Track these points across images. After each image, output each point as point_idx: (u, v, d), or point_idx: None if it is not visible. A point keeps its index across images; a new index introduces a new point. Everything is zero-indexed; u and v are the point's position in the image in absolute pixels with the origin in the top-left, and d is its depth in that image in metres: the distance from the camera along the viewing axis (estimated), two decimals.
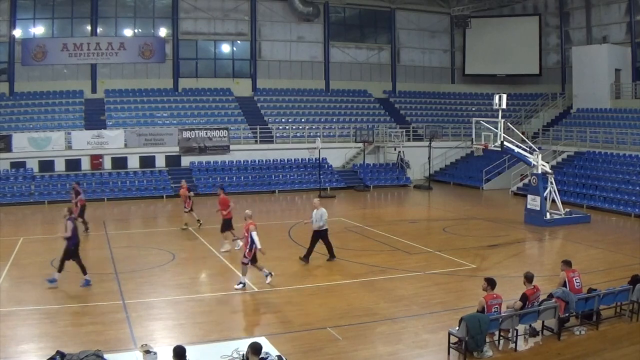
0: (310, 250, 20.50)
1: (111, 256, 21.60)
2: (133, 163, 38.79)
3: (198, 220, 26.40)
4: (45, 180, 35.94)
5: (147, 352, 10.41)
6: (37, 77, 42.36)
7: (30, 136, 37.32)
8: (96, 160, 38.02)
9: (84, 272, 17.55)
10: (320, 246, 20.52)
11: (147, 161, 39.01)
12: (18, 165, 36.73)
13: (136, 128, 39.86)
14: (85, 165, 38.00)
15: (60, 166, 37.45)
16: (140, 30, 45.57)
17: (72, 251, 17.45)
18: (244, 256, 17.29)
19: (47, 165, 37.13)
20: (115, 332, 13.95)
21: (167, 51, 45.16)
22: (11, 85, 41.59)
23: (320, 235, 20.51)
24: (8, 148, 36.64)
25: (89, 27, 43.51)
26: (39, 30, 43.07)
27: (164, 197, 35.86)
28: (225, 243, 22.27)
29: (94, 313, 15.29)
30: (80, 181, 36.36)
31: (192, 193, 26.89)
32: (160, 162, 39.37)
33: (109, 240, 24.52)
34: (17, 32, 41.86)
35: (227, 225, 22.49)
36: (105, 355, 10.74)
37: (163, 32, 45.71)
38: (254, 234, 16.99)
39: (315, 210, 20.40)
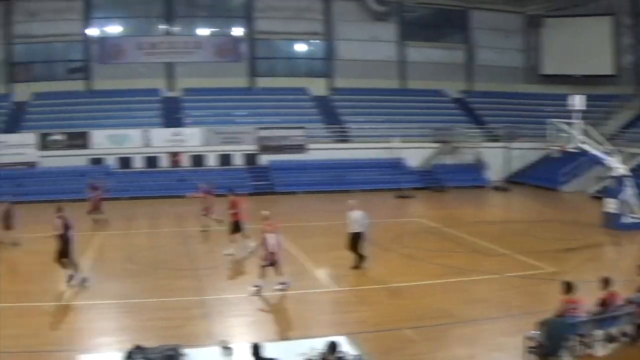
0: (359, 255, 19.28)
1: (189, 253, 21.93)
2: (210, 161, 39.39)
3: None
4: (124, 176, 36.70)
5: (225, 347, 10.45)
6: (114, 75, 43.13)
7: (108, 133, 38.34)
8: (175, 157, 38.71)
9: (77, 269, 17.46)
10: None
11: (224, 159, 39.57)
12: (97, 161, 37.78)
13: (214, 127, 40.44)
14: (164, 162, 38.79)
15: (138, 163, 38.42)
16: (215, 29, 46.25)
17: (67, 245, 17.30)
18: (263, 258, 16.63)
19: (125, 162, 38.12)
20: (194, 327, 14.11)
21: (243, 50, 45.63)
22: (89, 83, 42.85)
23: (356, 237, 19.05)
24: (87, 145, 37.69)
25: (164, 26, 44.46)
26: (114, 29, 44.30)
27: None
28: (231, 247, 21.38)
29: (174, 308, 15.51)
30: (157, 178, 37.29)
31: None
32: (237, 160, 39.89)
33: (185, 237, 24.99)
34: (93, 31, 43.10)
35: (235, 227, 21.50)
36: (184, 350, 10.84)
37: (238, 31, 46.22)
38: (268, 237, 16.37)
39: (349, 212, 19.20)
